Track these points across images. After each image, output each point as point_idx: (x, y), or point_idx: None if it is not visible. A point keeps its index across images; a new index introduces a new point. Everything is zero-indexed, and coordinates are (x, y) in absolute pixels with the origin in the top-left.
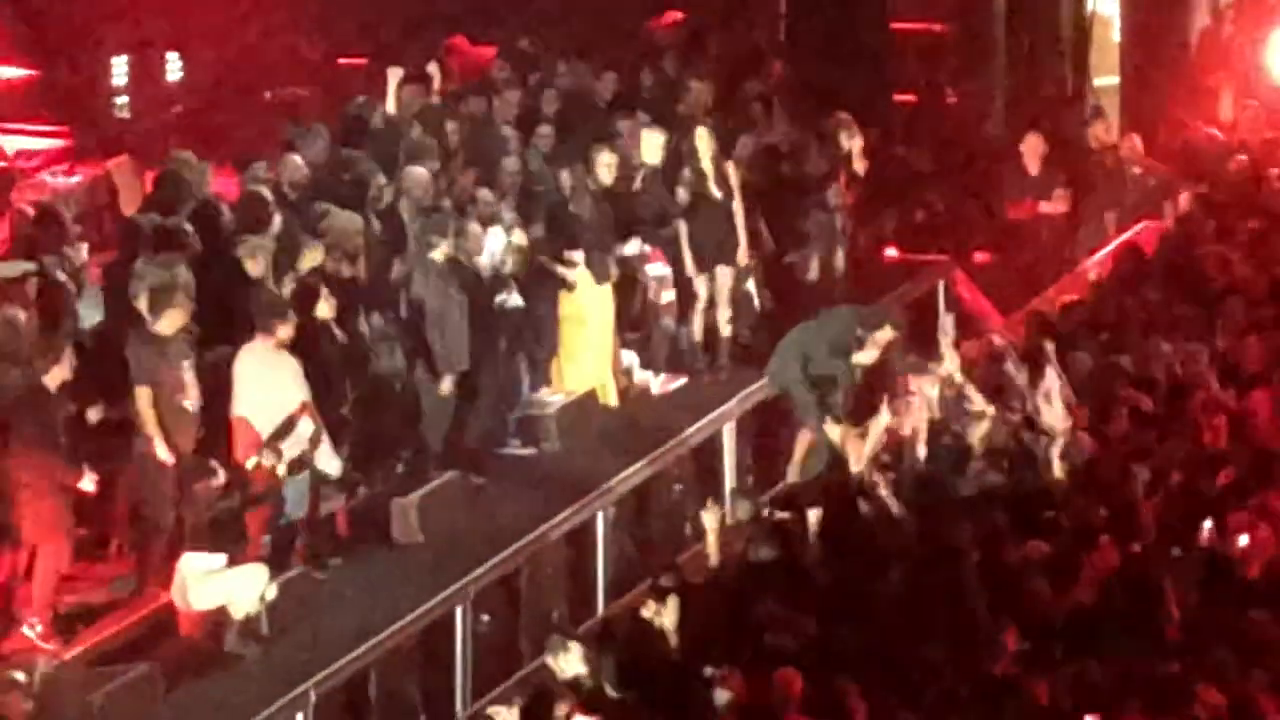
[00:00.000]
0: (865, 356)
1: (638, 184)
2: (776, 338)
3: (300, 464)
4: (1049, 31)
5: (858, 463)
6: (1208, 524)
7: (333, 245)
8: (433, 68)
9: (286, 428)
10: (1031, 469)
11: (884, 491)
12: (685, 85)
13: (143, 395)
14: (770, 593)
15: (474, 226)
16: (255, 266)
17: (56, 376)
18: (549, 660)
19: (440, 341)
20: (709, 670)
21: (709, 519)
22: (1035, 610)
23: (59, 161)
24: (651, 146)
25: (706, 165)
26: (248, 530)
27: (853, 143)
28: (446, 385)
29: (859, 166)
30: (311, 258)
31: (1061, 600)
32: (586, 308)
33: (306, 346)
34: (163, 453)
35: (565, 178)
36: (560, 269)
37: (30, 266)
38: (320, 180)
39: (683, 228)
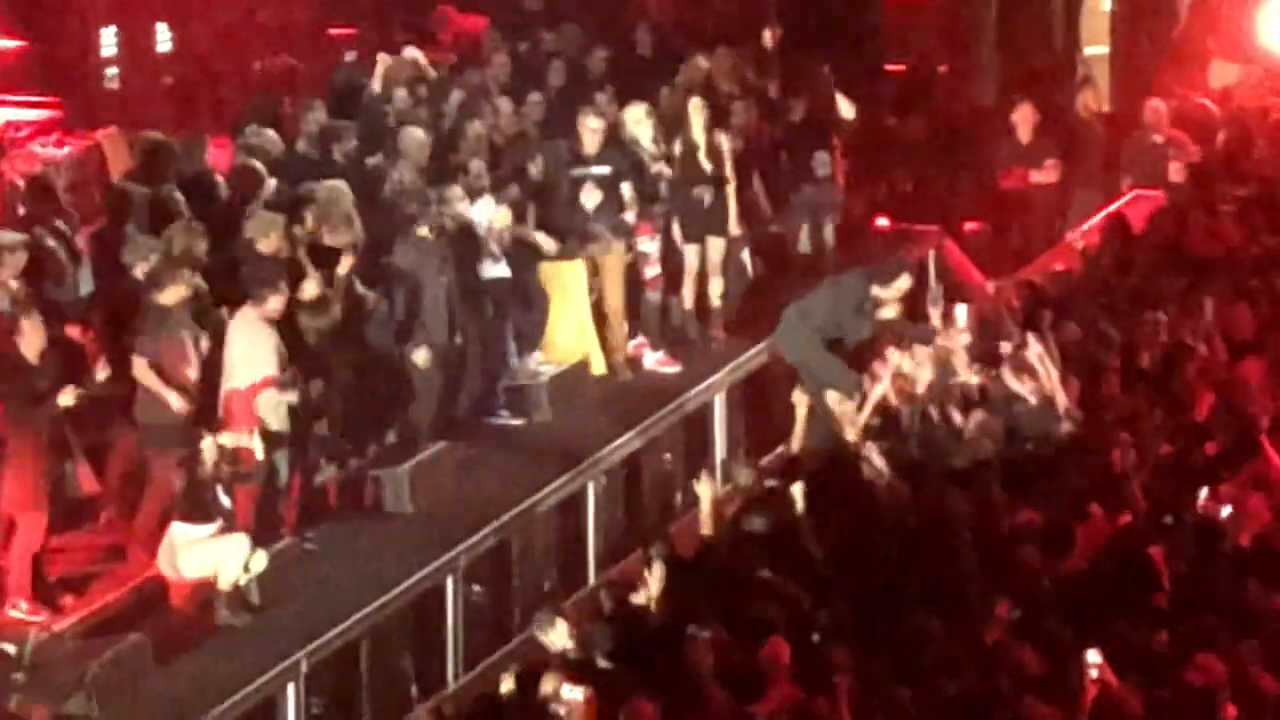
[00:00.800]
0: (888, 312)
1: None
2: (767, 307)
3: (285, 438)
4: (1039, 0)
5: (853, 431)
6: (1204, 493)
7: (321, 215)
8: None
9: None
10: (1022, 438)
11: (877, 460)
12: (677, 54)
13: (139, 364)
14: (762, 562)
15: (458, 195)
16: (268, 245)
17: (33, 346)
18: (537, 632)
19: (417, 313)
20: (691, 630)
21: (703, 490)
22: (1027, 579)
23: (48, 132)
24: (633, 120)
25: (698, 136)
26: (236, 502)
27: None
28: (421, 356)
29: (848, 115)
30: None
31: (1053, 569)
32: (567, 277)
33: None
34: (178, 403)
35: (553, 149)
36: (537, 237)
37: (23, 238)
38: (308, 153)
39: (672, 200)
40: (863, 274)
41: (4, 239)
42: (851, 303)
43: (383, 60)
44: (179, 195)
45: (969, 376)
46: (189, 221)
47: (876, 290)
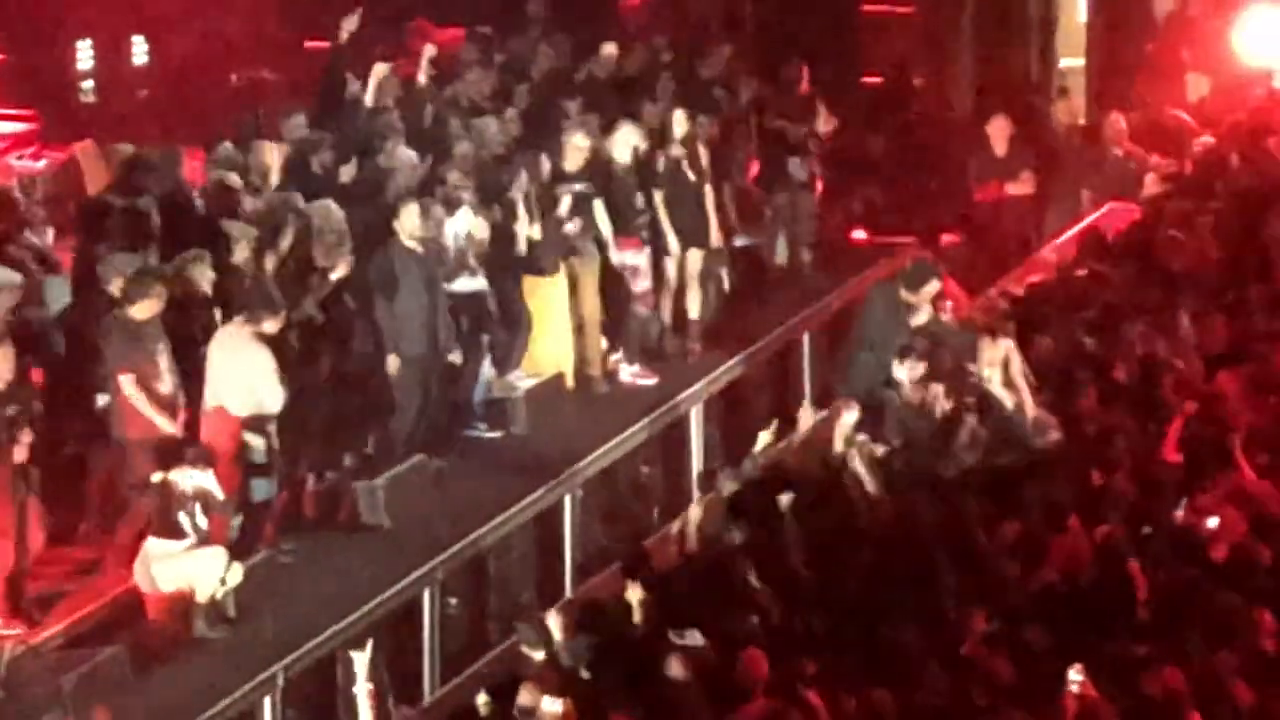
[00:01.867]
0: (920, 317)
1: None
2: (743, 318)
3: (268, 468)
4: (1015, 13)
5: (841, 440)
6: (1183, 503)
7: (317, 233)
8: (430, 50)
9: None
10: (1004, 449)
11: (859, 467)
12: (655, 68)
13: (127, 381)
14: (743, 572)
15: (436, 209)
16: (240, 252)
17: (2, 375)
18: (520, 643)
19: (390, 323)
20: (674, 635)
21: (694, 511)
22: (1005, 591)
23: (25, 145)
24: (622, 141)
25: (681, 149)
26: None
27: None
28: (392, 365)
29: (825, 128)
30: (289, 234)
31: (1030, 581)
32: (546, 291)
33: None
34: (166, 425)
35: (531, 165)
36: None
37: (19, 279)
38: (292, 165)
39: (662, 211)
40: (889, 281)
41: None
42: (882, 312)
43: (378, 71)
44: (154, 209)
45: (988, 380)
46: (198, 252)
47: (906, 295)
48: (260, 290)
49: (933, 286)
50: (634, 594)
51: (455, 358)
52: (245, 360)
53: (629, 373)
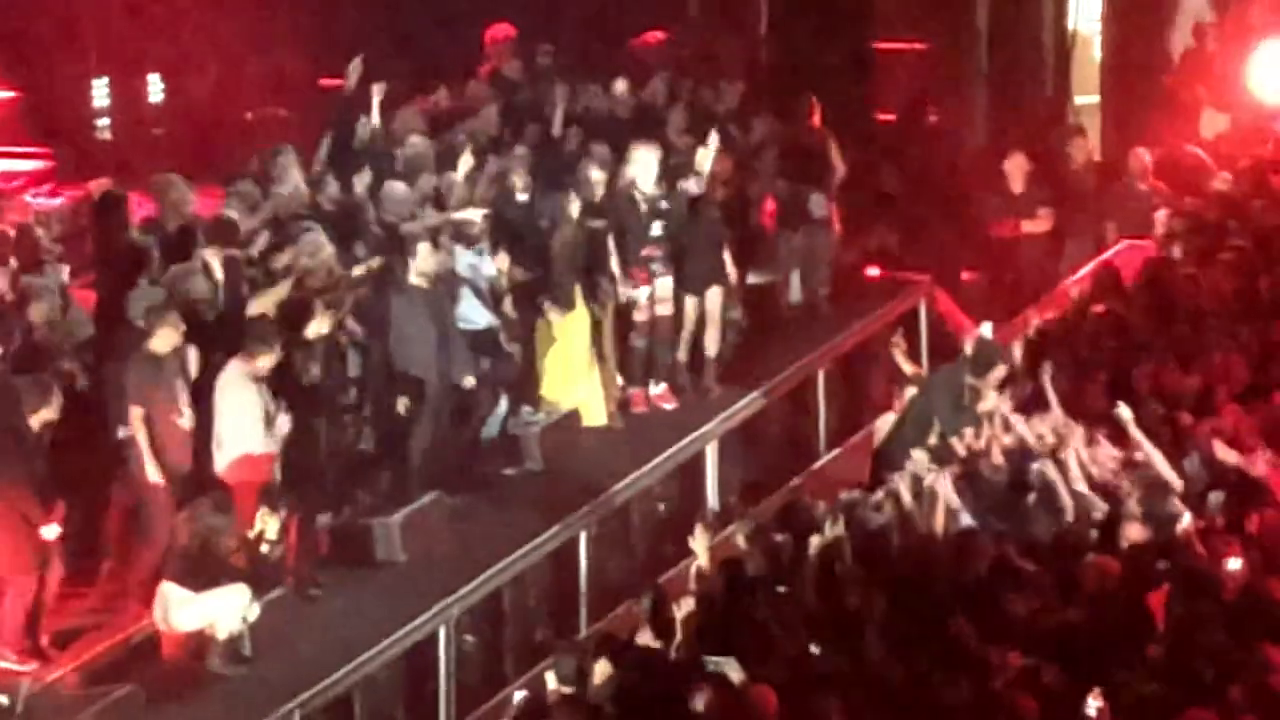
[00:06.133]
0: (988, 404)
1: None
2: (759, 357)
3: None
4: (1031, 50)
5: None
6: (1186, 519)
7: (309, 270)
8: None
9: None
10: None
11: (943, 488)
12: (673, 106)
13: (136, 415)
14: (759, 610)
15: (448, 243)
16: (259, 306)
17: (42, 416)
18: (546, 676)
19: (402, 359)
20: (709, 662)
21: (699, 544)
22: (1026, 628)
23: (42, 183)
24: (642, 163)
25: (701, 186)
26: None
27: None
28: (401, 404)
29: (838, 167)
30: (319, 326)
31: (1053, 618)
32: (562, 326)
33: (289, 366)
34: (154, 474)
35: (554, 201)
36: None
37: (60, 279)
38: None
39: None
40: (954, 367)
41: (37, 281)
42: (948, 399)
43: (377, 90)
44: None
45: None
46: (191, 262)
47: (971, 380)
48: (254, 327)
49: (998, 373)
50: (645, 639)
51: (468, 393)
52: (238, 399)
53: (655, 392)
